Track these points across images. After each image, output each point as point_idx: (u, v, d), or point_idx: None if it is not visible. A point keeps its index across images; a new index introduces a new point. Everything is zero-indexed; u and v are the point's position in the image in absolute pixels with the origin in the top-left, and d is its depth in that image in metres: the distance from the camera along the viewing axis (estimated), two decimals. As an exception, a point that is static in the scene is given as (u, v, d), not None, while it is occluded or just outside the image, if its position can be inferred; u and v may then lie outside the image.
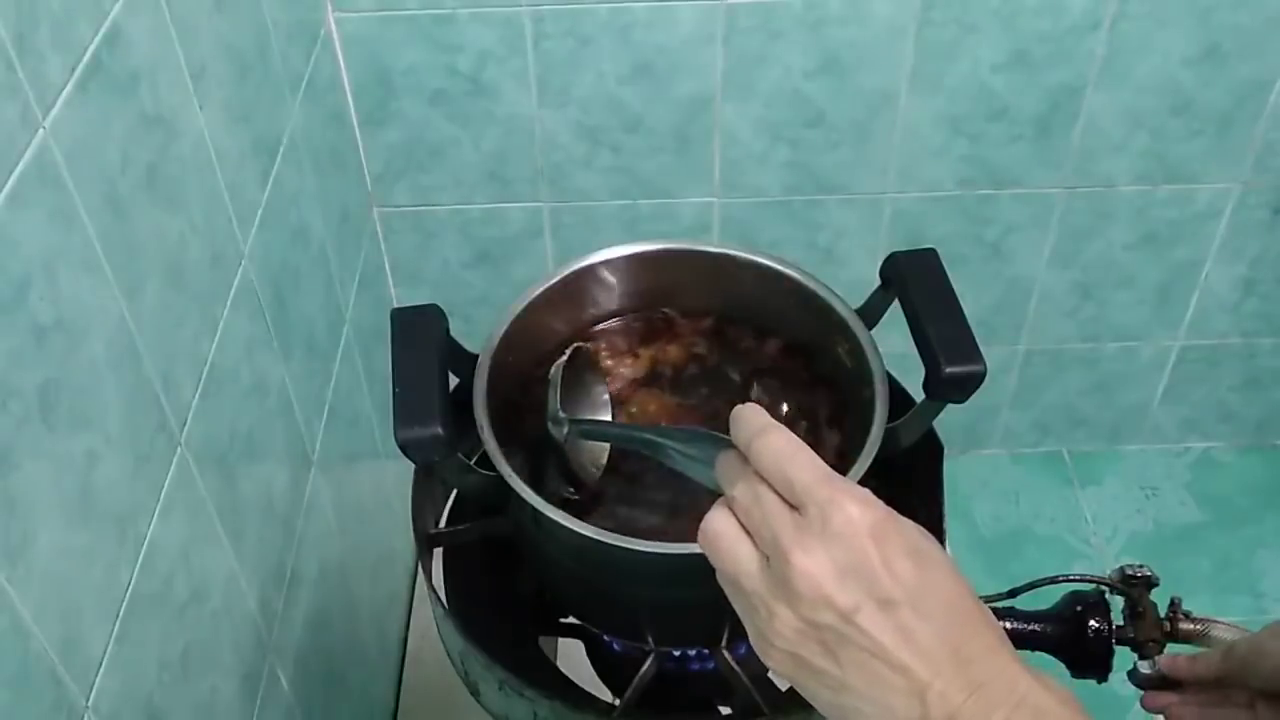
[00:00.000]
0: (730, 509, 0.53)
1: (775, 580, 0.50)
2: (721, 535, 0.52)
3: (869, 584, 0.48)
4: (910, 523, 0.51)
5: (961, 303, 0.80)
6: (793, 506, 0.50)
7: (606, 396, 0.88)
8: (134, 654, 0.73)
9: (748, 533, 0.52)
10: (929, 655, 0.48)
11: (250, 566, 0.94)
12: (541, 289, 0.87)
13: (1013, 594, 1.01)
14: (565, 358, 0.82)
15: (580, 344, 0.86)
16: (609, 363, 0.91)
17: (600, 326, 0.93)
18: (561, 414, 0.79)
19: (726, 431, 0.55)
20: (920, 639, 0.48)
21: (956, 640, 0.48)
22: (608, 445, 0.84)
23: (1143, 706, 0.89)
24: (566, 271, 0.88)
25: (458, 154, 1.46)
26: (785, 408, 0.87)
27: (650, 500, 0.83)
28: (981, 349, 0.77)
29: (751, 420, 0.53)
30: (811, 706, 0.65)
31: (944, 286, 0.82)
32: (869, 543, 0.48)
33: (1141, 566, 1.00)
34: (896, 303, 0.84)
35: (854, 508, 0.49)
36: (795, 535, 0.49)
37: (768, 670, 0.92)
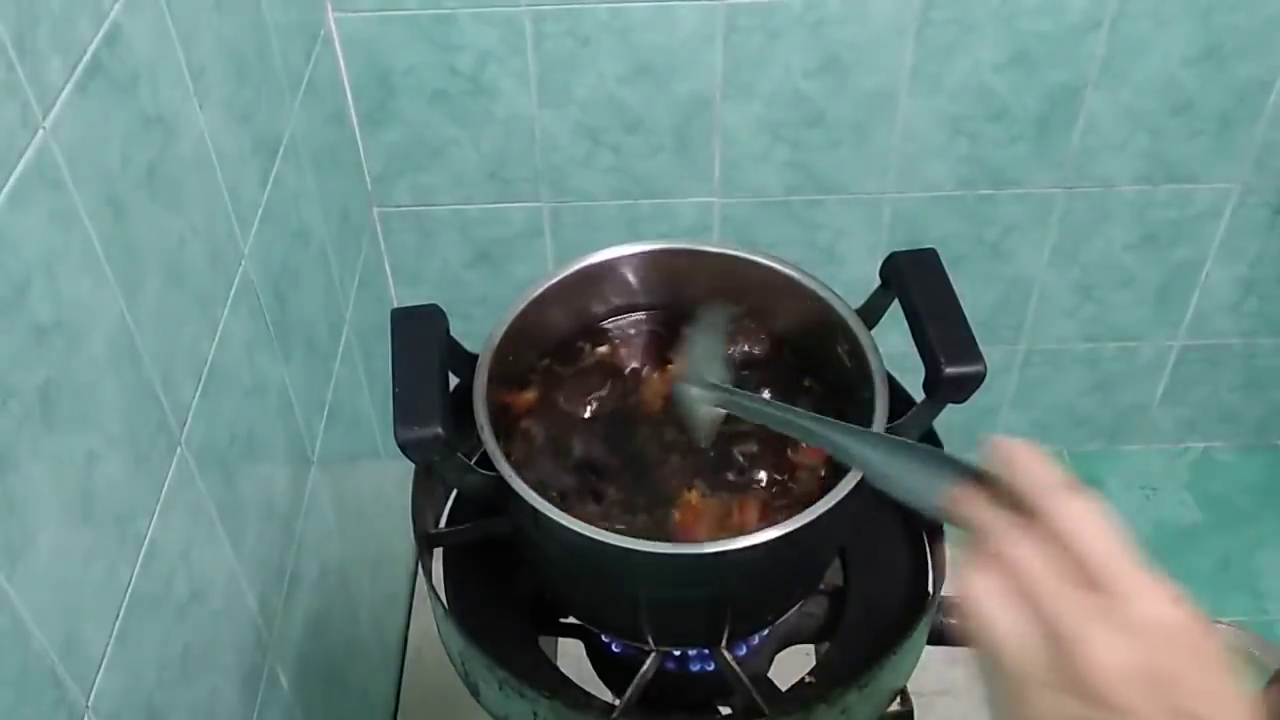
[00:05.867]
0: (997, 566, 0.45)
1: (1057, 667, 0.43)
2: (989, 601, 0.45)
3: (1173, 695, 0.42)
4: (1217, 630, 0.47)
5: (961, 303, 0.80)
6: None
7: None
8: (134, 654, 0.73)
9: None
10: None
11: (250, 566, 0.94)
12: (541, 289, 0.87)
13: (1013, 594, 1.01)
14: (716, 319, 0.79)
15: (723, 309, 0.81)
16: (610, 359, 0.91)
17: (600, 326, 0.93)
18: (720, 380, 0.73)
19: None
20: None
21: None
22: (721, 414, 0.76)
23: None
24: (566, 271, 0.88)
25: (458, 154, 1.46)
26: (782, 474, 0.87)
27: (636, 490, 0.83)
28: (981, 349, 0.77)
29: (1046, 470, 0.46)
30: (811, 707, 0.65)
31: (944, 286, 0.82)
32: (1181, 648, 0.43)
33: (1142, 567, 1.00)
34: (896, 303, 0.84)
35: (1168, 605, 0.44)
36: (1094, 622, 0.43)
37: (767, 669, 0.93)
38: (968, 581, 0.46)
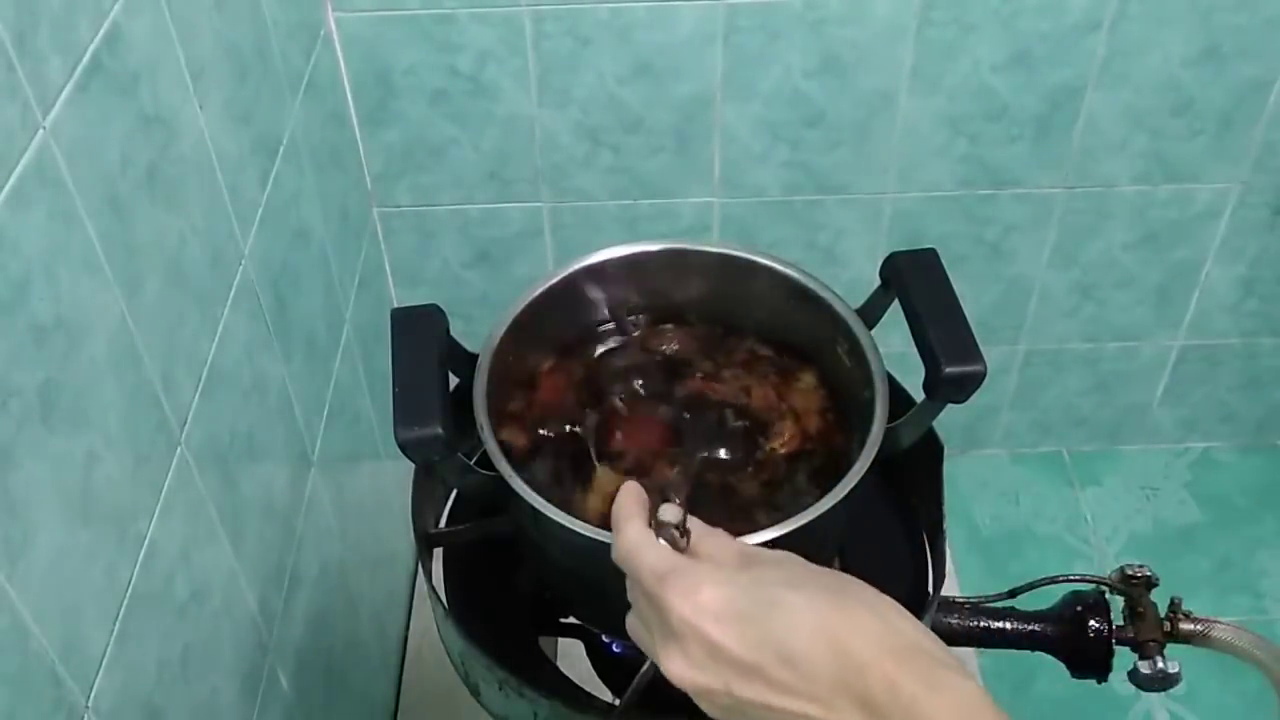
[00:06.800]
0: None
1: (661, 667, 0.55)
2: (630, 622, 0.59)
3: (726, 662, 0.52)
4: (743, 578, 0.54)
5: (961, 303, 0.80)
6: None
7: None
8: (134, 654, 0.73)
9: None
10: (814, 694, 0.50)
11: (250, 566, 0.94)
12: (541, 289, 0.87)
13: (1013, 594, 1.01)
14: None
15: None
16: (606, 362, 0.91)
17: (600, 327, 0.93)
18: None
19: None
20: (797, 686, 0.50)
21: (834, 663, 0.50)
22: None
23: None
24: (567, 271, 0.88)
25: (458, 154, 1.46)
26: (783, 406, 0.87)
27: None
28: (981, 349, 0.77)
29: (616, 508, 0.59)
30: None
31: (944, 286, 0.82)
32: (709, 628, 0.52)
33: (1141, 566, 1.00)
34: (896, 303, 0.84)
35: (683, 604, 0.53)
36: (659, 645, 0.54)
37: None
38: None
